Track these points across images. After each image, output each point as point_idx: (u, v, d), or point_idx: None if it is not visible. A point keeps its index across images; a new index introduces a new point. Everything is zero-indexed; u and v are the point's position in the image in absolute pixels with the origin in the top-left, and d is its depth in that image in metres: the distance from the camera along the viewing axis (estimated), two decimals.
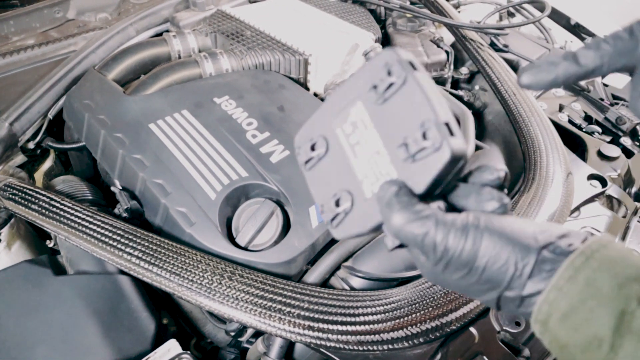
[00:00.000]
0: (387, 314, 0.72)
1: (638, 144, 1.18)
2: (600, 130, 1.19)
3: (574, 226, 0.94)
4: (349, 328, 0.70)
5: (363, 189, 0.46)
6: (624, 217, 0.98)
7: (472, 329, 0.76)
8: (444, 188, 0.45)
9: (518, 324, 0.78)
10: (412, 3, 1.57)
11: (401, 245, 0.46)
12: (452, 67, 1.32)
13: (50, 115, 1.12)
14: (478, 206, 0.44)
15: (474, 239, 0.41)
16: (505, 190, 0.47)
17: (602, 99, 1.28)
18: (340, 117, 0.49)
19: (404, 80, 0.43)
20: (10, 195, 0.86)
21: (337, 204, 0.48)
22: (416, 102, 0.43)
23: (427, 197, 0.44)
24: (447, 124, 0.41)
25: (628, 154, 1.15)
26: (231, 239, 0.83)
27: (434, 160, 0.41)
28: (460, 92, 1.29)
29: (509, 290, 0.41)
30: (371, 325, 0.70)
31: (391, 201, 0.42)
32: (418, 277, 0.81)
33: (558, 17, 1.63)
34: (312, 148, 0.51)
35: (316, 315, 0.70)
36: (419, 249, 0.43)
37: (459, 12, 1.61)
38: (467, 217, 0.42)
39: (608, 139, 1.18)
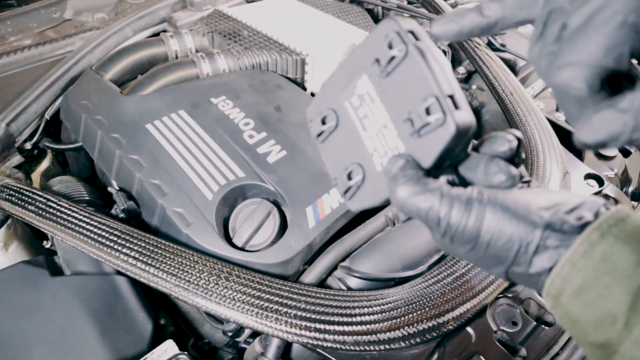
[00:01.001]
0: (383, 314, 0.72)
1: None
2: None
3: None
4: (346, 328, 0.70)
5: (374, 162, 0.46)
6: None
7: (469, 329, 0.76)
8: (454, 159, 0.45)
9: (515, 323, 0.78)
10: (409, 2, 1.57)
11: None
12: (450, 65, 1.32)
13: (47, 116, 1.12)
14: (485, 179, 0.44)
15: (477, 215, 0.40)
16: (522, 155, 0.46)
17: None
18: (347, 90, 0.48)
19: (405, 53, 0.42)
20: (7, 196, 0.86)
21: (350, 177, 0.48)
22: (419, 75, 0.41)
23: (436, 169, 0.43)
24: (451, 97, 0.40)
25: (625, 153, 1.15)
26: (228, 239, 0.83)
27: (439, 135, 0.41)
28: None
29: (516, 266, 0.41)
30: (368, 326, 0.70)
31: (397, 175, 0.42)
32: (415, 277, 0.81)
33: None
34: (323, 122, 0.50)
35: (313, 316, 0.70)
36: (423, 222, 0.42)
37: None
38: (472, 192, 0.41)
39: None
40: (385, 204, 0.47)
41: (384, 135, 0.45)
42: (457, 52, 1.36)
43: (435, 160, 0.42)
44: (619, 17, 0.34)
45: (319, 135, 0.51)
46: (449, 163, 0.45)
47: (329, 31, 1.25)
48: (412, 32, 0.43)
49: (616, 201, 1.02)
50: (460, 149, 0.44)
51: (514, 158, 0.45)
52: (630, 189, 1.08)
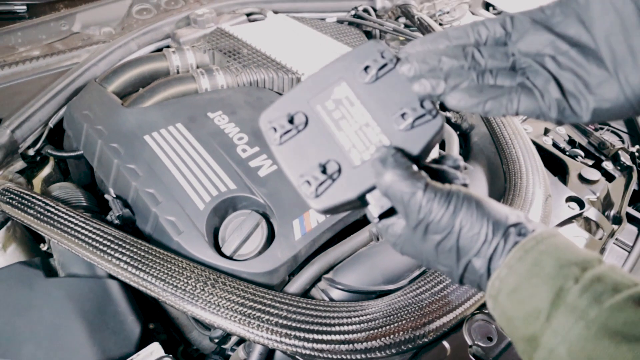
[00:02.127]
0: (362, 325, 0.74)
1: (619, 168, 1.22)
2: (583, 154, 1.23)
3: None
4: (325, 337, 0.72)
5: (351, 157, 0.51)
6: (601, 239, 1.01)
7: (445, 343, 0.79)
8: (420, 164, 0.51)
9: (490, 339, 0.80)
10: (406, 26, 1.62)
11: (386, 214, 0.50)
12: None
13: (51, 124, 1.17)
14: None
15: (455, 207, 0.45)
16: (464, 164, 0.53)
17: (586, 124, 1.32)
18: (321, 96, 0.53)
19: (395, 62, 0.51)
20: (8, 200, 0.90)
21: (324, 171, 0.51)
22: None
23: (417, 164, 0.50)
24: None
25: (609, 177, 1.18)
26: (217, 248, 0.87)
27: (430, 126, 0.49)
28: (448, 114, 1.33)
29: (477, 258, 0.46)
30: (346, 335, 0.73)
31: (387, 159, 0.47)
32: (396, 290, 0.84)
33: None
34: (290, 121, 0.53)
35: (293, 324, 0.73)
36: (403, 208, 0.47)
37: None
38: (451, 186, 0.47)
39: (591, 162, 1.22)
40: (354, 203, 0.51)
41: (365, 132, 0.51)
42: None
43: (422, 148, 0.49)
44: None
45: (282, 135, 0.53)
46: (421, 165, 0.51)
47: (325, 52, 1.29)
48: (395, 56, 0.52)
49: (597, 224, 1.05)
50: (426, 153, 0.51)
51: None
52: (612, 212, 1.10)
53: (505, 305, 0.44)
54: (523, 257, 0.43)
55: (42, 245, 1.03)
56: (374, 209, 0.50)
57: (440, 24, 1.61)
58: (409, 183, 0.46)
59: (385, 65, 0.51)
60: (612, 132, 1.34)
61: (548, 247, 0.43)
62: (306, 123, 0.53)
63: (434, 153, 0.53)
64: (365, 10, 1.59)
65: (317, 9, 1.61)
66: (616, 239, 0.99)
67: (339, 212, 0.54)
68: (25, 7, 1.52)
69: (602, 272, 0.40)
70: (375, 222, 0.52)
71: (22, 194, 0.90)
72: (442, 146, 1.13)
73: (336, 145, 0.52)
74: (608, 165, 1.21)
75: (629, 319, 0.37)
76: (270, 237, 0.88)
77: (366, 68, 0.52)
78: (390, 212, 0.51)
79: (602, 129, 1.33)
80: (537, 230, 0.45)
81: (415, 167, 0.48)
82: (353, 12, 1.59)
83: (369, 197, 0.51)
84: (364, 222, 0.95)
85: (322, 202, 0.51)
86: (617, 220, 1.09)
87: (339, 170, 0.51)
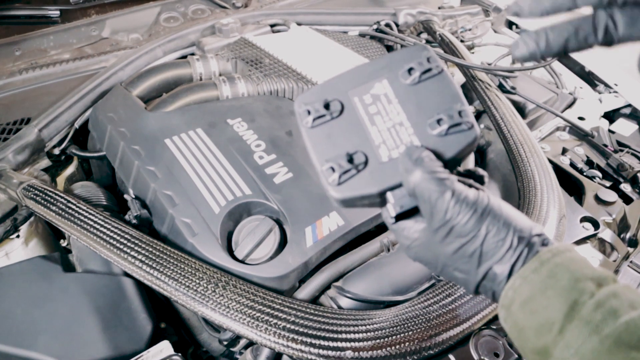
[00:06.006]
0: (368, 334, 0.75)
1: (638, 190, 1.20)
2: (600, 175, 1.22)
3: None
4: (331, 344, 0.73)
5: (380, 152, 0.52)
6: (615, 261, 1.00)
7: (451, 356, 0.79)
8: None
9: (497, 355, 0.80)
10: (427, 42, 1.64)
11: (403, 215, 0.51)
12: None
13: (76, 125, 1.21)
14: None
15: (483, 211, 0.46)
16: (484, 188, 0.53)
17: (605, 145, 1.31)
18: (361, 88, 0.54)
19: (440, 70, 0.52)
20: (32, 196, 0.93)
21: (351, 160, 0.52)
22: (450, 90, 0.52)
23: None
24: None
25: (627, 200, 1.17)
26: (230, 251, 0.88)
27: (464, 136, 0.50)
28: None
29: (499, 264, 0.46)
30: (352, 343, 0.74)
31: (419, 159, 0.48)
32: (404, 302, 0.84)
33: (572, 63, 1.67)
34: (326, 107, 0.54)
35: (301, 329, 0.74)
36: (430, 208, 0.47)
37: (472, 53, 1.67)
38: (478, 192, 0.48)
39: (608, 184, 1.20)
40: (373, 199, 0.52)
41: (398, 131, 0.52)
42: (469, 92, 1.41)
43: (454, 155, 0.50)
44: None
45: (316, 119, 0.54)
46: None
47: (346, 64, 1.31)
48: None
49: (612, 246, 1.04)
50: (457, 163, 0.52)
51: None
52: (628, 235, 1.09)
53: (518, 315, 0.44)
54: (538, 269, 0.44)
55: (61, 241, 1.06)
56: (392, 208, 0.51)
57: (462, 41, 1.62)
58: (437, 183, 0.46)
59: (429, 69, 0.52)
60: (632, 154, 1.32)
61: (564, 260, 0.43)
62: (341, 112, 0.54)
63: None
64: (387, 25, 1.61)
65: (340, 22, 1.64)
66: (630, 262, 0.97)
67: (355, 206, 0.54)
68: (58, 12, 1.57)
69: (618, 289, 0.41)
70: (391, 223, 0.53)
71: (45, 191, 0.93)
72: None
73: (367, 138, 0.52)
74: (626, 187, 1.20)
75: None
76: (283, 243, 0.89)
77: (410, 70, 0.53)
78: (407, 214, 0.51)
79: (621, 150, 1.32)
80: (555, 245, 0.46)
81: (445, 170, 0.49)
82: (375, 27, 1.61)
83: (389, 195, 0.51)
84: (375, 232, 0.96)
85: (342, 191, 0.51)
86: (632, 243, 1.08)
87: (365, 163, 0.52)
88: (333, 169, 0.51)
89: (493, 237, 0.46)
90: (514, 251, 0.45)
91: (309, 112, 0.54)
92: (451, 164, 0.51)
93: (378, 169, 0.51)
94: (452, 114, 0.50)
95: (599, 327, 0.38)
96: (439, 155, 0.50)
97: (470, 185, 0.51)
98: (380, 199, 0.52)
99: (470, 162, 1.10)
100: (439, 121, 0.50)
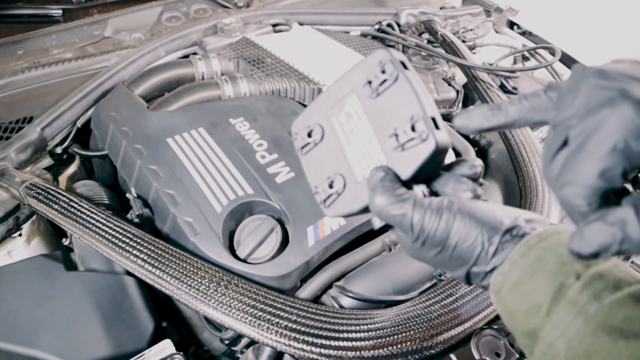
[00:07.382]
0: (369, 333, 0.75)
1: (639, 191, 1.20)
2: None
3: None
4: (332, 343, 0.73)
5: (355, 173, 0.52)
6: None
7: (452, 356, 0.79)
8: (428, 176, 0.51)
9: (498, 354, 0.80)
10: (429, 42, 1.64)
11: (386, 226, 0.51)
12: (460, 105, 1.37)
13: (79, 124, 1.21)
14: (454, 193, 0.50)
15: (447, 221, 0.46)
16: (480, 181, 0.52)
17: None
18: (336, 108, 0.54)
19: (395, 78, 0.49)
20: (35, 194, 0.93)
21: (331, 185, 0.53)
22: (406, 98, 0.48)
23: (413, 182, 0.49)
24: (433, 119, 0.47)
25: None
26: (232, 250, 0.89)
27: (420, 150, 0.47)
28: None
29: (476, 266, 0.47)
30: (353, 342, 0.74)
31: (376, 185, 0.48)
32: (405, 301, 0.84)
33: (573, 63, 1.67)
34: (309, 135, 0.55)
35: (302, 328, 0.74)
36: (398, 227, 0.48)
37: (474, 53, 1.67)
38: (442, 201, 0.47)
39: None
40: (360, 213, 0.52)
41: (368, 149, 0.51)
42: (471, 92, 1.41)
43: (413, 173, 0.48)
44: (610, 143, 0.37)
45: (304, 147, 0.56)
46: (424, 178, 0.51)
47: (347, 64, 1.31)
48: (402, 62, 0.50)
49: None
50: (433, 167, 0.50)
51: (476, 181, 0.53)
52: None
53: (507, 299, 0.45)
54: (526, 254, 0.44)
55: (64, 239, 1.06)
56: (376, 221, 0.52)
57: (464, 41, 1.62)
58: (398, 206, 0.47)
59: (385, 80, 0.49)
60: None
61: (552, 244, 0.44)
62: (322, 136, 0.55)
63: (451, 157, 0.53)
64: (389, 25, 1.61)
65: (342, 22, 1.64)
66: (632, 262, 0.97)
67: (352, 216, 0.55)
68: (61, 11, 1.58)
69: (605, 269, 0.41)
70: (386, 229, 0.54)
71: (48, 190, 0.93)
72: None
73: (345, 159, 0.53)
74: (627, 187, 1.20)
75: (627, 315, 0.37)
76: (284, 242, 0.89)
77: (370, 82, 0.50)
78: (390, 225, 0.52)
79: None
80: (542, 228, 0.46)
81: (402, 190, 0.47)
82: (377, 27, 1.61)
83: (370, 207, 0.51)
84: (377, 232, 0.96)
85: (331, 211, 0.54)
86: None
87: (344, 185, 0.52)
88: (319, 194, 0.54)
89: (462, 244, 0.46)
90: (486, 253, 0.46)
91: (297, 141, 0.56)
92: (420, 174, 0.49)
93: (355, 189, 0.52)
94: (406, 128, 0.47)
95: (584, 308, 0.39)
96: (399, 173, 0.48)
97: (436, 194, 0.51)
98: (367, 211, 0.53)
99: (470, 152, 1.09)
100: (396, 136, 0.48)
